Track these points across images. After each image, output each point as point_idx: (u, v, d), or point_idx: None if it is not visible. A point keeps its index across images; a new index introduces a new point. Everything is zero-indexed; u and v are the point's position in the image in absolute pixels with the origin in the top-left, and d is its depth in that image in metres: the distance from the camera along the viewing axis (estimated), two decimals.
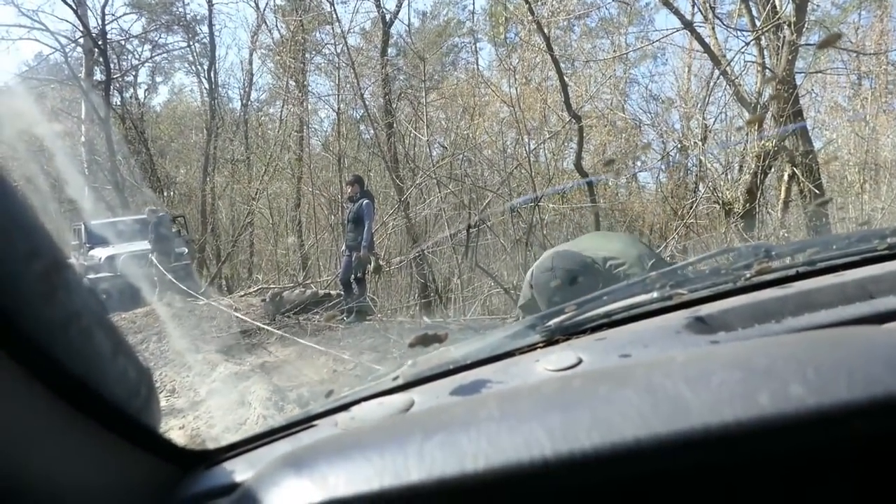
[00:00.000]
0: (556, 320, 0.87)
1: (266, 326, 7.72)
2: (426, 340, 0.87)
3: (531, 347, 0.84)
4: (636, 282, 0.95)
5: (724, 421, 0.34)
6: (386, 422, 0.45)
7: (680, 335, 0.75)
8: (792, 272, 0.88)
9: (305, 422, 0.77)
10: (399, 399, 0.76)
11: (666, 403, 0.36)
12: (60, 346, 0.54)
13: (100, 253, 11.54)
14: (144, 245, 11.48)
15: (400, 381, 0.80)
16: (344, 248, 8.33)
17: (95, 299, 0.60)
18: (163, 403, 5.73)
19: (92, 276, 11.07)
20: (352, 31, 14.58)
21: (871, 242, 0.91)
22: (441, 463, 0.36)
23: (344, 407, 0.78)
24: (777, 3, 8.69)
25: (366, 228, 7.85)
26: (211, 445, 0.78)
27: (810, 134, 10.04)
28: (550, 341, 0.85)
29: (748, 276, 0.88)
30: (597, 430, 0.35)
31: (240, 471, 0.70)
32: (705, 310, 0.81)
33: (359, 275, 8.19)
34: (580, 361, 0.73)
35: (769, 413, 0.34)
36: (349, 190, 8.16)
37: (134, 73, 20.24)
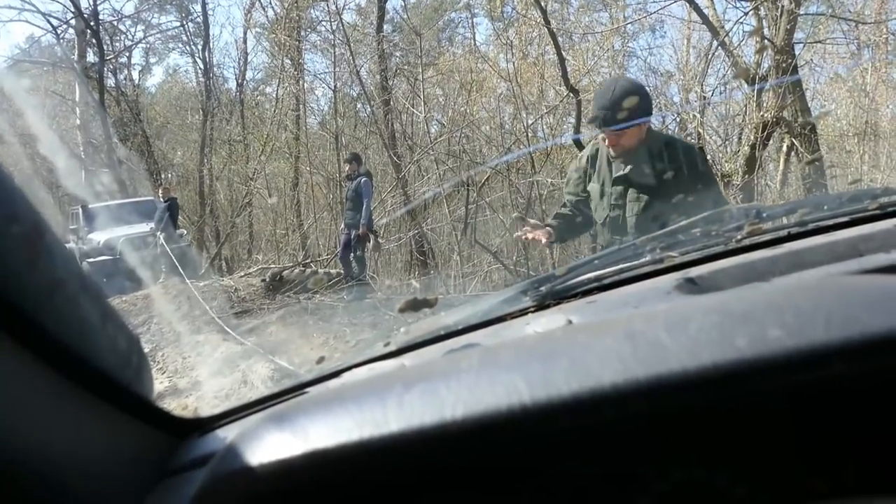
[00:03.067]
0: (548, 285, 0.87)
1: (217, 319, 7.75)
2: (416, 305, 0.87)
3: (522, 312, 0.84)
4: (627, 246, 0.95)
5: (702, 364, 0.34)
6: (369, 379, 0.46)
7: (670, 296, 0.75)
8: (783, 233, 0.88)
9: (297, 389, 0.78)
10: (389, 365, 0.76)
11: (644, 349, 0.36)
12: (47, 313, 0.53)
13: (98, 236, 11.54)
14: (143, 227, 11.48)
15: (391, 348, 0.81)
16: (343, 226, 8.35)
17: (79, 266, 0.60)
18: (165, 384, 5.77)
19: (91, 259, 11.08)
20: (347, 7, 14.45)
21: (862, 202, 0.91)
22: (420, 412, 0.37)
23: (335, 374, 0.78)
24: None
25: (364, 206, 7.85)
26: (204, 414, 0.79)
27: (810, 105, 9.98)
28: (541, 306, 0.85)
29: (739, 237, 0.88)
30: (575, 376, 0.35)
31: (233, 437, 0.70)
32: (696, 271, 0.81)
33: (358, 252, 8.22)
34: (569, 323, 0.73)
35: (747, 356, 0.34)
36: (347, 168, 8.23)
37: (128, 55, 20.07)
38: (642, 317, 0.39)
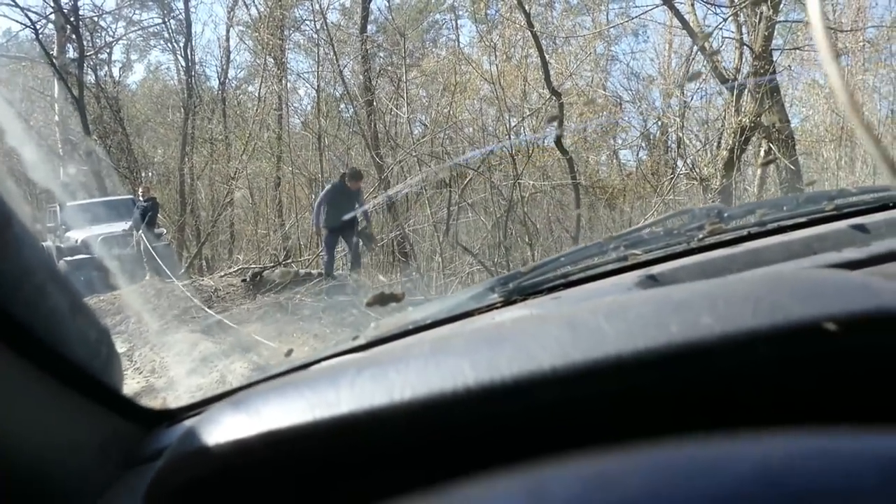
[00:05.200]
0: (515, 282, 0.90)
1: (210, 312, 7.71)
2: (383, 299, 0.89)
3: (489, 308, 0.86)
4: (593, 244, 0.97)
5: (636, 348, 0.36)
6: (326, 366, 0.47)
7: (630, 292, 0.77)
8: (743, 233, 0.91)
9: (265, 381, 0.79)
10: (356, 358, 0.77)
11: (584, 335, 0.38)
12: (16, 302, 0.54)
13: (76, 234, 11.39)
14: (122, 226, 11.36)
15: (360, 342, 0.82)
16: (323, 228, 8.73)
17: (49, 257, 0.60)
18: (142, 384, 5.72)
19: (68, 257, 10.95)
20: (331, 7, 14.40)
21: (819, 203, 0.94)
22: (370, 394, 0.38)
23: (303, 367, 0.79)
24: None
25: (361, 209, 8.37)
26: (172, 405, 0.80)
27: (788, 110, 10.13)
28: (508, 301, 0.87)
29: (701, 236, 0.90)
30: (517, 359, 0.37)
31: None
32: (658, 269, 0.84)
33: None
34: None
35: (678, 340, 0.36)
36: (354, 185, 8.62)
37: (108, 51, 19.84)
38: (587, 307, 0.41)
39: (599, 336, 0.37)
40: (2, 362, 0.54)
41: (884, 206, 0.91)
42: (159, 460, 0.48)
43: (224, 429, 0.40)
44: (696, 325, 0.36)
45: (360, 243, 9.08)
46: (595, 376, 0.36)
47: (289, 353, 0.87)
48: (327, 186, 8.97)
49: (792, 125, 10.12)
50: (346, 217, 8.33)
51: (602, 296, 0.78)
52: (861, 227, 0.83)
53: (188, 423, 0.74)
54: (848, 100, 0.33)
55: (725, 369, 0.36)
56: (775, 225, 0.91)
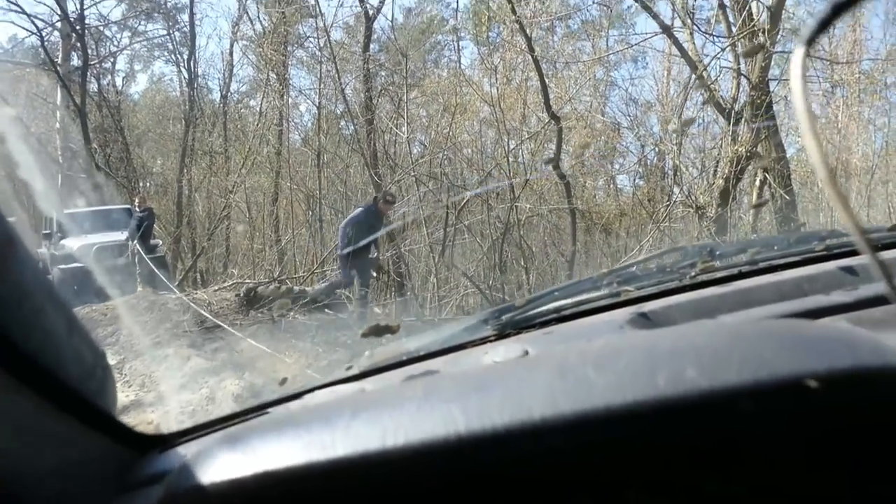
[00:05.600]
0: (508, 315, 0.91)
1: (222, 323, 7.67)
2: (379, 331, 0.89)
3: (483, 340, 0.87)
4: (587, 279, 0.98)
5: (625, 401, 0.37)
6: (322, 404, 0.48)
7: (623, 330, 0.78)
8: (734, 271, 0.92)
9: (259, 409, 0.79)
10: (350, 388, 0.78)
11: (574, 384, 0.39)
12: (14, 324, 0.55)
13: (72, 243, 11.37)
14: (118, 235, 11.34)
15: (353, 371, 0.83)
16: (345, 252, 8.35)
17: (47, 279, 0.61)
18: (131, 397, 5.69)
19: (63, 266, 10.90)
20: (335, 25, 14.53)
21: (810, 243, 0.96)
22: (365, 438, 0.39)
23: (297, 395, 0.80)
24: (753, 10, 8.84)
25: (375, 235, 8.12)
26: (165, 430, 0.80)
27: (783, 140, 10.23)
28: (502, 335, 0.88)
29: (693, 274, 0.92)
30: (507, 408, 0.38)
31: (192, 454, 0.72)
32: (650, 306, 0.85)
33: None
34: (525, 354, 0.76)
35: (665, 394, 0.37)
36: (387, 208, 8.32)
37: (112, 60, 19.95)
38: (576, 352, 0.42)
39: (588, 386, 0.38)
40: None
41: (873, 248, 0.92)
42: (155, 489, 0.49)
43: (221, 467, 0.41)
44: (682, 379, 0.37)
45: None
46: (584, 427, 0.36)
47: (283, 381, 0.88)
48: (358, 208, 8.51)
49: (788, 155, 10.22)
50: (365, 243, 7.98)
51: (594, 333, 0.79)
52: (850, 270, 0.84)
53: (184, 451, 0.74)
54: (826, 176, 0.34)
55: (710, 423, 0.37)
56: (766, 264, 0.93)
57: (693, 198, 9.27)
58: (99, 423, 0.70)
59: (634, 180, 15.49)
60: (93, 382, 0.69)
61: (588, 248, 12.94)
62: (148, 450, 0.77)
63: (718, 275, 0.91)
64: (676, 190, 10.32)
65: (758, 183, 9.04)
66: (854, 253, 0.92)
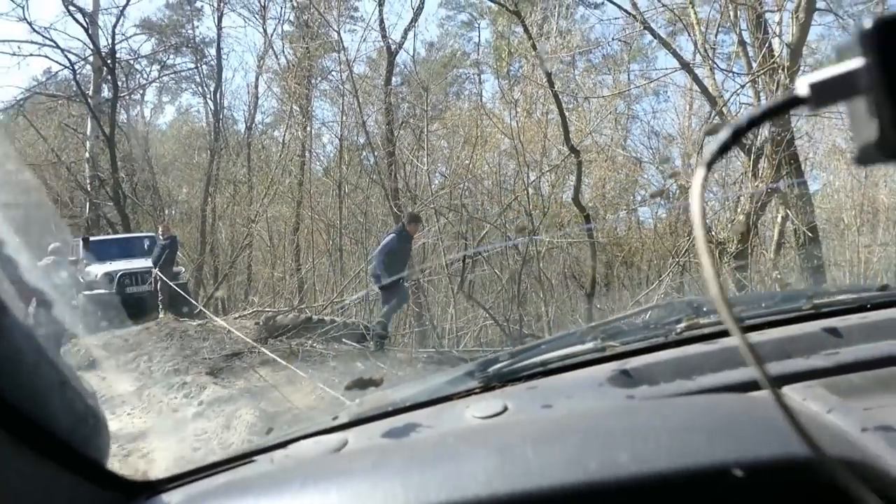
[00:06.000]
0: (495, 367, 0.92)
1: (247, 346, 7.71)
2: (363, 384, 0.91)
3: (468, 393, 0.88)
4: (574, 332, 0.99)
5: (553, 484, 0.38)
6: (288, 467, 0.50)
7: (602, 387, 0.79)
8: (721, 328, 0.92)
9: (245, 457, 0.81)
10: (333, 439, 0.80)
11: (510, 464, 0.40)
12: (7, 383, 0.58)
13: (96, 269, 11.57)
14: (142, 263, 11.54)
15: (338, 422, 0.84)
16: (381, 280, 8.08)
17: (37, 338, 0.64)
18: (148, 424, 5.73)
19: (87, 292, 11.08)
20: (358, 59, 14.82)
21: (798, 302, 0.96)
22: None
23: (282, 444, 0.82)
24: (774, 46, 8.85)
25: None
26: (154, 476, 0.82)
27: (806, 176, 10.15)
28: (487, 387, 0.89)
29: (678, 330, 0.92)
30: (445, 486, 0.39)
31: (176, 502, 0.74)
32: (633, 362, 0.86)
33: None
34: (505, 409, 0.77)
35: (595, 478, 0.38)
36: (413, 229, 8.18)
37: (141, 92, 20.54)
38: (518, 429, 0.43)
39: (524, 466, 0.40)
40: None
41: (861, 308, 0.92)
42: None
43: None
44: (614, 464, 0.39)
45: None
46: None
47: (268, 431, 0.89)
48: (389, 235, 8.18)
49: (811, 190, 10.13)
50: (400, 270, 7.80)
51: (575, 388, 0.80)
52: (834, 331, 0.85)
53: (167, 500, 0.76)
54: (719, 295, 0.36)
55: None
56: (752, 322, 0.93)
57: (713, 233, 9.21)
58: (88, 472, 0.72)
59: (656, 212, 15.42)
60: (84, 431, 0.72)
61: (608, 281, 12.87)
62: (135, 496, 0.79)
63: (704, 332, 0.92)
64: None
65: (779, 219, 8.95)
66: (842, 312, 0.93)
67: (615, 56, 16.02)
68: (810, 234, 8.55)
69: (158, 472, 0.89)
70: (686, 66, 9.42)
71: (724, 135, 0.34)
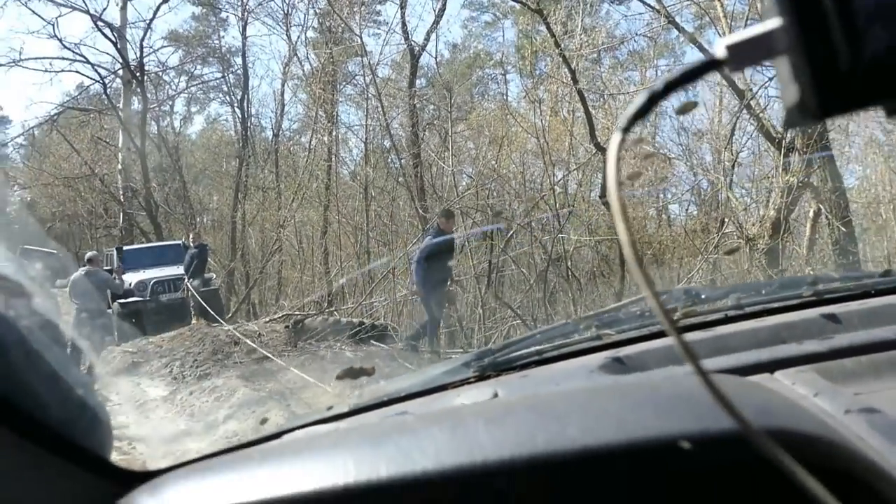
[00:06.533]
0: (490, 357, 0.92)
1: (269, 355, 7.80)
2: (354, 374, 0.92)
3: (462, 382, 0.88)
4: (570, 321, 0.99)
5: (500, 457, 0.38)
6: (252, 452, 0.51)
7: (592, 374, 0.79)
8: (718, 316, 0.91)
9: (239, 448, 0.82)
10: (325, 429, 0.81)
11: (462, 440, 0.41)
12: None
13: (130, 277, 11.82)
14: (175, 271, 11.77)
15: (333, 412, 0.85)
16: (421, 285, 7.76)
17: (24, 332, 0.66)
18: (182, 426, 5.84)
19: (122, 300, 11.33)
20: (381, 63, 14.91)
21: (799, 288, 0.94)
22: (277, 485, 0.42)
23: (276, 435, 0.83)
24: None
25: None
26: (152, 467, 0.84)
27: (840, 169, 9.91)
28: (482, 377, 0.89)
29: (675, 318, 0.91)
30: (395, 461, 0.40)
31: (162, 485, 0.75)
32: (627, 350, 0.85)
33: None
34: (495, 396, 0.77)
35: (540, 451, 0.38)
36: (448, 226, 7.86)
37: (170, 103, 20.95)
38: (473, 409, 0.44)
39: (475, 443, 0.40)
40: None
41: (865, 294, 0.90)
42: None
43: None
44: (562, 436, 0.39)
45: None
46: (459, 481, 0.38)
47: (263, 421, 0.90)
48: (428, 235, 7.95)
49: (847, 184, 9.89)
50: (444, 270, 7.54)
51: (566, 376, 0.80)
52: (833, 317, 0.83)
53: (161, 486, 0.77)
54: (632, 255, 0.35)
55: (583, 481, 0.38)
56: (750, 310, 0.92)
57: (744, 229, 9.06)
58: (85, 462, 0.74)
59: (687, 209, 15.18)
60: (81, 422, 0.74)
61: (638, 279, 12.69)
62: (133, 485, 0.81)
63: (700, 319, 0.91)
64: (727, 221, 10.11)
65: (811, 214, 8.77)
66: (842, 300, 0.91)
67: (641, 52, 15.86)
68: (844, 230, 8.36)
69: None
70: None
71: (640, 99, 0.34)
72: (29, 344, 0.65)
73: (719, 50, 0.32)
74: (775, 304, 0.92)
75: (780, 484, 0.38)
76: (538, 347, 0.92)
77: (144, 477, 0.84)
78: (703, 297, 0.97)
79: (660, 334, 0.90)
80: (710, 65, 0.33)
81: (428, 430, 0.43)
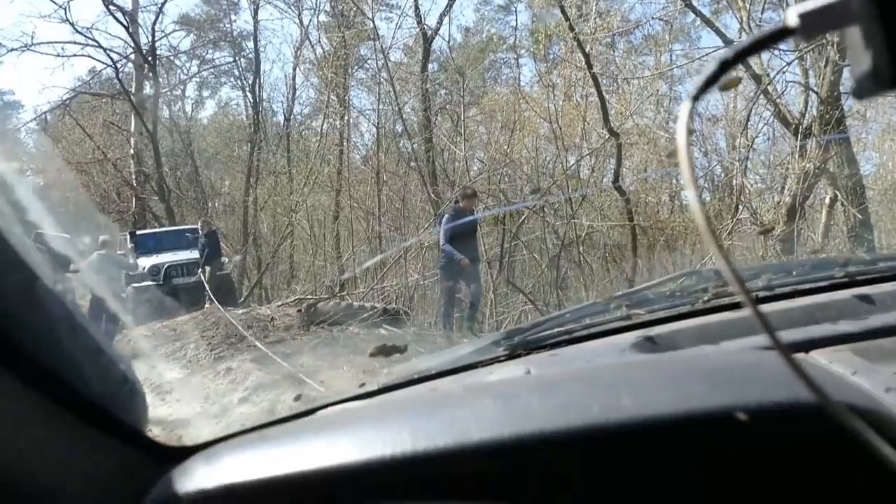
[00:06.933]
0: (520, 336, 0.92)
1: (252, 344, 7.83)
2: (387, 351, 0.93)
3: (492, 360, 0.89)
4: (600, 301, 0.99)
5: (556, 426, 0.39)
6: (299, 423, 0.51)
7: (624, 353, 0.79)
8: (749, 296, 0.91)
9: (272, 424, 0.83)
10: (358, 405, 0.81)
11: (514, 410, 0.41)
12: (45, 350, 0.61)
13: (144, 262, 11.91)
14: (188, 255, 11.84)
15: (364, 390, 0.86)
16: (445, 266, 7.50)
17: (74, 308, 0.67)
18: (196, 409, 5.89)
19: (136, 284, 11.42)
20: (394, 46, 14.84)
21: (831, 270, 0.94)
22: (321, 456, 0.42)
23: (311, 411, 0.84)
24: None
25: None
26: (188, 442, 0.85)
27: (857, 156, 9.78)
28: (512, 355, 0.89)
29: (705, 299, 0.91)
30: (450, 431, 0.40)
31: (203, 459, 0.76)
32: (658, 330, 0.85)
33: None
34: (528, 373, 0.78)
35: (596, 421, 0.39)
36: (469, 204, 7.57)
37: (182, 88, 20.98)
38: (523, 381, 0.44)
39: (529, 412, 0.40)
40: (27, 402, 0.60)
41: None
42: (171, 498, 0.53)
43: (194, 481, 0.45)
44: (616, 408, 0.39)
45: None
46: (518, 451, 0.39)
47: (297, 398, 0.91)
48: (444, 217, 7.70)
49: (864, 171, 9.76)
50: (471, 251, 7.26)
51: (597, 355, 0.80)
52: (867, 298, 0.82)
53: (197, 463, 0.79)
54: (706, 227, 0.35)
55: (637, 452, 0.38)
56: (782, 291, 0.91)
57: (758, 216, 8.99)
58: (122, 436, 0.75)
59: (700, 195, 15.03)
60: (120, 397, 0.75)
61: (651, 266, 12.67)
62: (168, 461, 0.82)
63: (731, 300, 0.90)
64: (741, 207, 10.03)
65: (828, 200, 8.68)
66: (875, 281, 0.90)
67: (656, 36, 15.64)
68: (860, 217, 8.27)
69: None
70: (730, 44, 9.16)
71: (710, 67, 0.34)
72: (75, 318, 0.66)
73: (791, 18, 0.32)
74: (806, 286, 0.91)
75: (832, 457, 0.38)
76: (568, 326, 0.92)
77: (177, 452, 0.85)
78: None
79: (690, 314, 0.90)
80: (782, 33, 0.32)
81: (482, 402, 0.43)
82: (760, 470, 0.38)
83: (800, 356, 0.70)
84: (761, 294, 0.92)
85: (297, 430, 0.47)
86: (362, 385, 0.88)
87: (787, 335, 0.76)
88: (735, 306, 0.89)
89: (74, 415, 0.66)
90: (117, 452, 0.75)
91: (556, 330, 0.92)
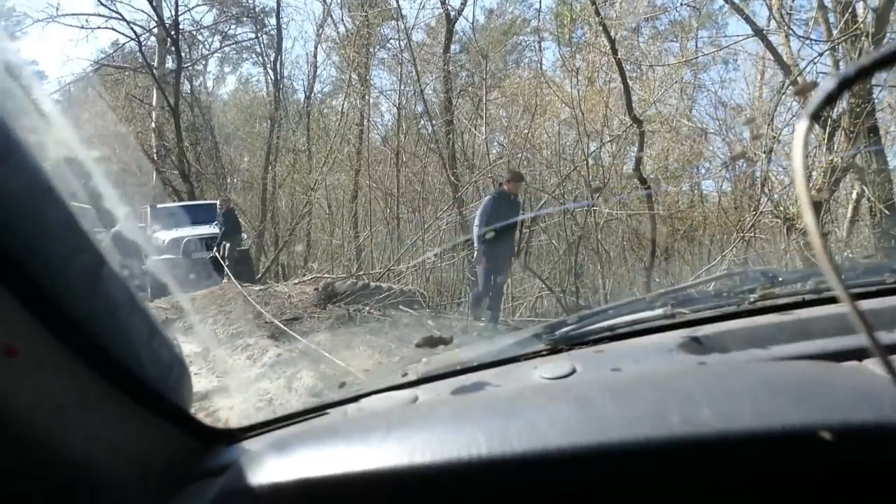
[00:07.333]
0: (562, 330, 0.92)
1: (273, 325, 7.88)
2: (433, 342, 0.93)
3: (535, 354, 0.89)
4: (642, 298, 0.98)
5: (637, 437, 0.38)
6: (366, 417, 0.52)
7: (672, 353, 0.78)
8: (797, 299, 0.90)
9: (319, 409, 0.84)
10: (404, 394, 0.82)
11: (591, 417, 0.41)
12: (105, 332, 0.62)
13: (164, 235, 12.01)
14: (207, 229, 11.92)
15: (408, 378, 0.87)
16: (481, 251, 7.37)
17: (133, 291, 0.68)
18: (214, 383, 5.95)
19: (155, 257, 11.52)
20: (417, 27, 14.74)
21: (882, 275, 0.92)
22: (395, 455, 0.42)
23: (355, 398, 0.84)
24: (857, 12, 8.34)
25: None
26: (234, 425, 0.86)
27: (888, 151, 9.59)
28: (554, 350, 0.89)
29: (752, 300, 0.90)
30: (527, 436, 0.40)
31: (256, 449, 0.77)
32: (704, 330, 0.85)
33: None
34: (574, 371, 0.78)
35: (678, 433, 0.38)
36: (514, 187, 7.42)
37: (204, 63, 21.00)
38: (598, 385, 0.44)
39: (605, 420, 0.40)
40: (83, 380, 0.61)
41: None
42: (217, 480, 0.54)
43: (266, 473, 0.45)
44: (695, 420, 0.39)
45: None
46: (597, 460, 0.38)
47: (342, 385, 0.92)
48: (485, 200, 7.52)
49: (893, 166, 9.57)
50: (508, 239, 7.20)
51: (644, 354, 0.80)
52: None
53: (245, 447, 0.80)
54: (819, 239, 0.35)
55: (719, 465, 0.38)
56: (830, 294, 0.90)
57: (782, 208, 8.87)
58: (173, 417, 0.77)
59: (721, 186, 14.87)
60: (169, 381, 0.76)
61: (669, 255, 12.59)
62: (216, 443, 0.83)
63: (778, 302, 0.89)
64: (764, 199, 9.91)
65: (854, 196, 8.54)
66: None
67: (683, 22, 15.39)
68: (887, 213, 8.13)
69: (232, 425, 0.94)
70: (759, 33, 9.01)
71: (829, 84, 0.33)
72: (136, 303, 0.67)
73: None
74: (857, 290, 0.90)
75: None
76: (610, 323, 0.91)
77: (225, 435, 0.86)
78: (780, 279, 0.95)
79: (734, 315, 0.89)
80: None
81: (554, 406, 0.43)
82: (846, 492, 0.37)
83: (852, 364, 0.69)
84: (808, 297, 0.90)
85: (367, 426, 0.47)
86: (405, 374, 0.89)
87: (839, 342, 0.75)
88: (783, 308, 0.88)
89: (127, 394, 0.68)
90: (164, 432, 0.76)
91: (598, 326, 0.92)
